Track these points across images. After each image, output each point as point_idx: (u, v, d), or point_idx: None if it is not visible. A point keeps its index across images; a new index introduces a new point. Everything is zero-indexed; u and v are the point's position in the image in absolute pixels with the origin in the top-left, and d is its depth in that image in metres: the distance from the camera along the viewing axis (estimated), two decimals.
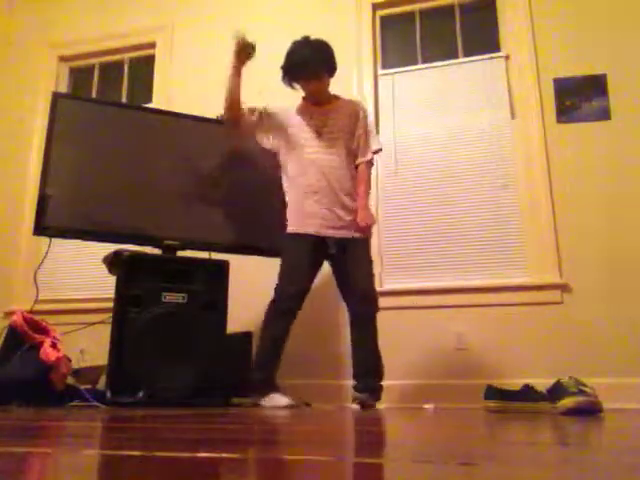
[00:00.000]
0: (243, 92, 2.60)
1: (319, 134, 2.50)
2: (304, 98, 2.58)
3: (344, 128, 2.52)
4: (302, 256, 2.41)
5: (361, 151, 2.54)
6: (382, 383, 2.39)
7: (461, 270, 3.02)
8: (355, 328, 2.42)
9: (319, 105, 2.54)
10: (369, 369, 2.38)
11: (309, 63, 2.42)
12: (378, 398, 2.37)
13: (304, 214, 2.44)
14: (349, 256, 2.43)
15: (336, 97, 2.60)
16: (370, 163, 2.56)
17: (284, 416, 1.74)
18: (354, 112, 2.56)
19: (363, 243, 2.46)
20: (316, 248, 2.42)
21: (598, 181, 2.92)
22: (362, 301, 2.40)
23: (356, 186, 2.49)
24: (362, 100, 2.98)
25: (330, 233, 2.43)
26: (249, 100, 2.66)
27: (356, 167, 2.54)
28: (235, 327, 2.76)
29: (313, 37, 2.46)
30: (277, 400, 2.35)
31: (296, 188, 2.48)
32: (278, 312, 2.39)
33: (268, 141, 2.59)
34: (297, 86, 2.53)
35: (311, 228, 2.42)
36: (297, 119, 2.55)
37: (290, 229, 2.46)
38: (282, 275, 2.41)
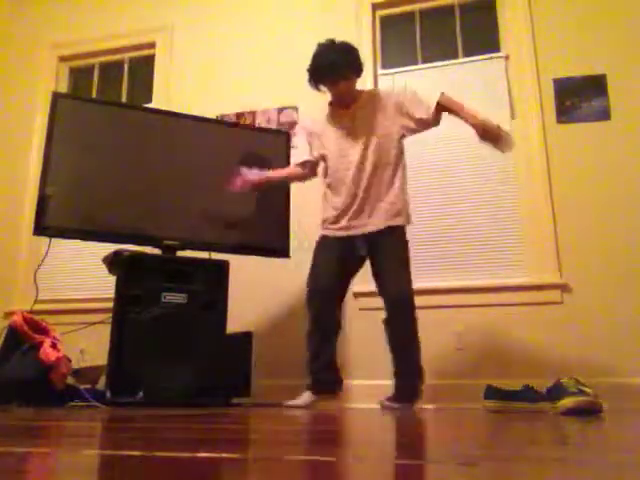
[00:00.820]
0: (245, 88, 2.59)
1: (348, 133, 2.47)
2: (331, 103, 2.57)
3: (373, 118, 2.47)
4: (326, 254, 2.42)
5: (417, 110, 2.47)
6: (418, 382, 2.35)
7: (461, 270, 3.02)
8: (388, 328, 2.37)
9: (347, 107, 2.51)
10: (409, 369, 2.34)
11: (335, 65, 2.40)
12: (415, 397, 2.33)
13: (335, 217, 2.43)
14: (379, 252, 2.38)
15: (359, 92, 2.56)
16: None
17: (284, 416, 1.74)
18: (377, 98, 2.51)
19: (393, 235, 2.38)
20: (344, 247, 2.40)
21: (598, 181, 2.92)
22: (393, 304, 2.35)
23: (396, 177, 2.46)
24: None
25: (358, 232, 2.40)
26: (249, 97, 2.66)
27: (429, 122, 2.50)
28: (235, 327, 2.76)
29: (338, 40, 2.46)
30: (301, 399, 2.37)
31: (330, 193, 2.48)
32: (308, 311, 2.40)
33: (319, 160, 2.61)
34: (323, 88, 2.50)
35: (340, 231, 2.42)
36: (328, 127, 2.54)
37: (323, 231, 2.47)
38: (309, 274, 2.44)
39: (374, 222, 2.39)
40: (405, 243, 2.40)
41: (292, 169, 2.67)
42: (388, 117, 2.47)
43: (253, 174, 2.60)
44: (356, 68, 2.46)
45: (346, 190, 2.43)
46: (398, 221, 2.39)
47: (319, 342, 2.38)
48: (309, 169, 2.62)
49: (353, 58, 2.44)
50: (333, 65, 2.40)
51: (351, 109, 2.51)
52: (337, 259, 2.41)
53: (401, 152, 2.50)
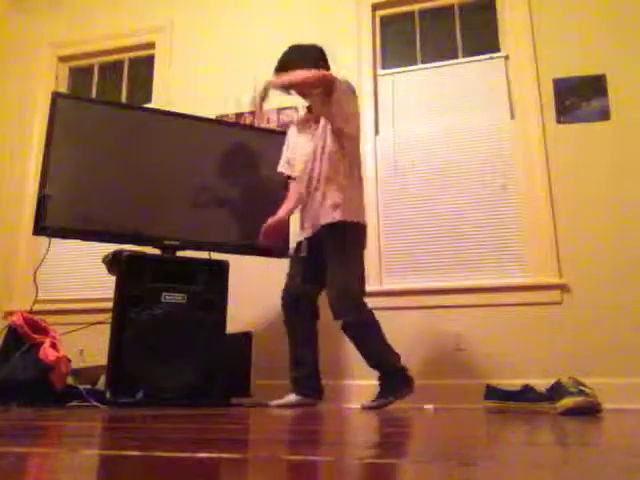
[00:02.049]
0: (245, 88, 2.59)
1: (309, 137, 2.52)
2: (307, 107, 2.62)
3: (324, 121, 2.46)
4: (296, 257, 2.50)
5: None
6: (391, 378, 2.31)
7: (460, 270, 3.02)
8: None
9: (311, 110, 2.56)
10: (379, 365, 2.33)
11: (284, 62, 2.44)
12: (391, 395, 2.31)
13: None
14: (323, 254, 2.37)
15: None
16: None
17: (284, 416, 1.74)
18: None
19: (332, 234, 2.32)
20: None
21: (598, 181, 2.92)
22: (331, 310, 2.31)
23: (337, 173, 2.38)
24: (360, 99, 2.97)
25: (304, 234, 2.46)
26: (249, 97, 2.63)
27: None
28: (235, 327, 2.76)
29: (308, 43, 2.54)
30: (287, 398, 2.39)
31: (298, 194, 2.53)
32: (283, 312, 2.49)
33: None
34: (293, 92, 2.51)
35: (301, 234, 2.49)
36: (294, 130, 2.61)
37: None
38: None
39: (314, 225, 2.42)
40: (345, 238, 2.32)
41: (295, 195, 2.56)
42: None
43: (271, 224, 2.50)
44: (309, 65, 2.40)
45: (302, 191, 2.47)
46: (335, 217, 2.31)
47: (292, 342, 2.47)
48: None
49: (303, 55, 2.45)
50: (282, 63, 2.44)
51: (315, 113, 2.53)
52: (303, 262, 2.46)
53: (344, 155, 2.41)
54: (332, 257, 2.31)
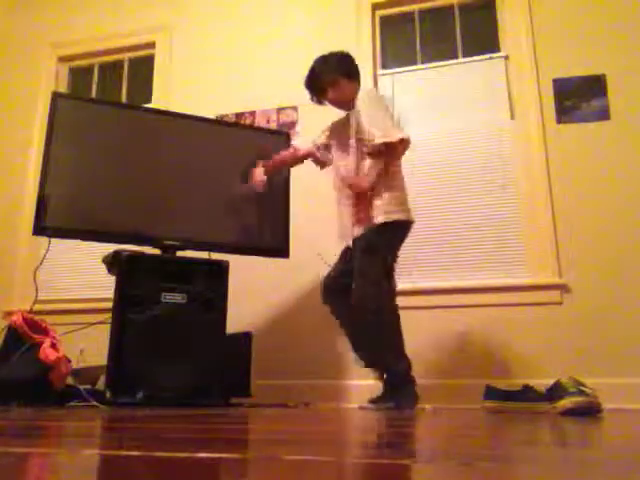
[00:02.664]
0: (245, 88, 2.58)
1: (338, 141, 2.51)
2: None
3: (352, 129, 2.43)
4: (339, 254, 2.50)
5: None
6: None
7: (460, 270, 3.02)
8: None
9: (348, 110, 2.53)
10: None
11: (309, 80, 2.47)
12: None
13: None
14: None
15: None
16: (375, 149, 2.30)
17: (284, 416, 1.74)
18: (357, 107, 2.43)
19: (357, 243, 2.35)
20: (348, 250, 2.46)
21: (598, 181, 2.92)
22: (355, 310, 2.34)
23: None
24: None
25: (347, 240, 2.45)
26: (249, 97, 2.65)
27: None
28: (235, 327, 2.76)
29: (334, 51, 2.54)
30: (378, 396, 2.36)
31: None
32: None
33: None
34: (326, 102, 2.53)
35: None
36: (331, 131, 2.59)
37: None
38: None
39: (348, 236, 2.41)
40: (367, 244, 2.32)
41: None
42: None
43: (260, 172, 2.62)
44: (329, 78, 2.43)
45: (337, 194, 2.46)
46: (357, 231, 2.36)
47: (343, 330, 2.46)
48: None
49: (326, 69, 2.45)
50: (307, 81, 2.48)
51: (347, 115, 2.51)
52: (343, 259, 2.47)
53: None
54: (356, 265, 2.35)
